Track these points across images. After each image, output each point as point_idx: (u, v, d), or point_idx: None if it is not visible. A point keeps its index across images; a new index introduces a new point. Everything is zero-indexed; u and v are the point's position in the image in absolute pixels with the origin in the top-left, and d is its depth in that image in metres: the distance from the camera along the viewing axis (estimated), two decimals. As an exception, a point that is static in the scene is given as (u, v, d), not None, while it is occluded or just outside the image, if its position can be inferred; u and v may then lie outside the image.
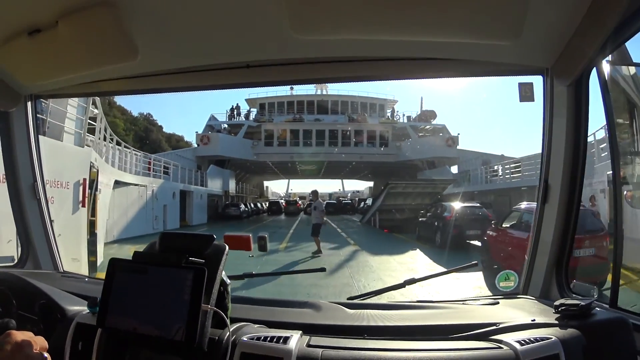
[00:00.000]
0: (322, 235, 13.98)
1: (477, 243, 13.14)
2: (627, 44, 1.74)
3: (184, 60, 2.07)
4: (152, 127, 58.20)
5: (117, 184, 17.04)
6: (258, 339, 1.53)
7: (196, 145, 39.53)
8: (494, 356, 1.48)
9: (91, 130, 14.86)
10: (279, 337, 1.53)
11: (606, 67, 1.79)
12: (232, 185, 42.64)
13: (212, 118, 45.52)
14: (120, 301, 1.55)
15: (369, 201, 39.34)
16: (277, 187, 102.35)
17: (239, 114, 46.84)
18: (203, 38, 1.88)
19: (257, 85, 2.48)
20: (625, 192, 1.97)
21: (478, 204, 18.12)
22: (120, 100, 53.30)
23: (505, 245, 9.90)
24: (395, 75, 2.34)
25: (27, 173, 2.50)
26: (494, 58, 1.94)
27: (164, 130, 59.78)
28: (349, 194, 72.03)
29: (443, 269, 2.46)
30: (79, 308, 1.81)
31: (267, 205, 50.56)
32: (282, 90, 46.20)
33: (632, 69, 1.87)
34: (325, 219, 14.97)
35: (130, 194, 19.80)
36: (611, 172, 1.82)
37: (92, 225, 10.64)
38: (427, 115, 45.89)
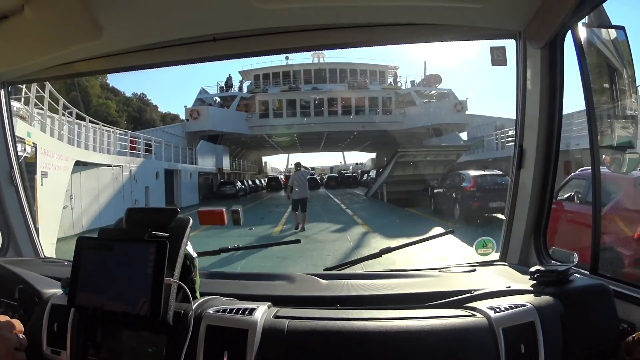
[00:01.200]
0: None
1: (501, 216, 11.91)
2: (604, 5, 1.74)
3: (149, 37, 2.12)
4: (145, 106, 58.34)
5: (81, 165, 16.14)
6: (224, 311, 1.60)
7: (186, 121, 38.27)
8: (467, 324, 1.53)
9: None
10: (245, 309, 1.59)
11: (582, 29, 1.81)
12: (226, 162, 41.87)
13: (203, 91, 44.51)
14: (88, 279, 1.63)
15: (373, 173, 38.82)
16: (276, 163, 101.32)
17: (231, 86, 45.77)
18: (166, 13, 1.92)
19: (225, 58, 2.48)
20: (603, 157, 2.03)
21: (500, 172, 16.62)
22: (114, 82, 53.97)
23: (570, 224, 7.42)
24: (365, 42, 2.40)
25: (2, 160, 2.58)
26: (466, 22, 1.98)
27: (159, 110, 60.12)
28: (351, 167, 70.76)
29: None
30: (55, 290, 1.91)
31: (266, 181, 50.09)
32: (277, 61, 45.02)
33: (612, 32, 1.86)
34: (308, 193, 14.32)
35: (102, 177, 18.53)
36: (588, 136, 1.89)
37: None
38: (432, 80, 44.25)
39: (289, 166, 73.58)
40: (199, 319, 1.57)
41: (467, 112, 36.65)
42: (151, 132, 31.02)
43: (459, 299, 1.71)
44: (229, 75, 45.11)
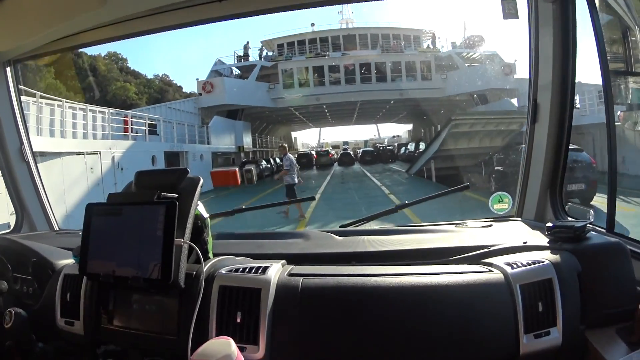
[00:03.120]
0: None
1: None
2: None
3: (153, 0, 2.20)
4: (167, 87, 58.87)
5: (38, 155, 13.42)
6: (236, 270, 1.72)
7: (199, 96, 35.46)
8: (484, 280, 1.62)
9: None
10: (258, 268, 1.71)
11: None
12: (248, 139, 39.35)
13: (219, 62, 41.42)
14: (98, 246, 1.74)
15: (411, 146, 37.91)
16: (307, 138, 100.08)
17: (248, 55, 42.40)
18: None
19: (232, 17, 2.54)
20: (618, 113, 2.11)
21: (575, 146, 13.84)
22: (135, 65, 55.59)
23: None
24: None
25: (13, 137, 2.82)
26: None
27: (183, 90, 59.16)
28: (386, 140, 69.19)
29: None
30: (68, 261, 2.07)
31: (296, 158, 48.69)
32: (302, 29, 42.43)
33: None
34: (299, 178, 13.68)
35: (70, 167, 15.44)
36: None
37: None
38: (475, 41, 41.10)
39: (321, 141, 73.14)
40: (211, 280, 1.67)
41: (515, 76, 35.10)
42: (154, 110, 29.06)
43: (475, 255, 1.81)
44: (247, 42, 42.70)
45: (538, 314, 1.58)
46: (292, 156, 14.02)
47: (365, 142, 70.58)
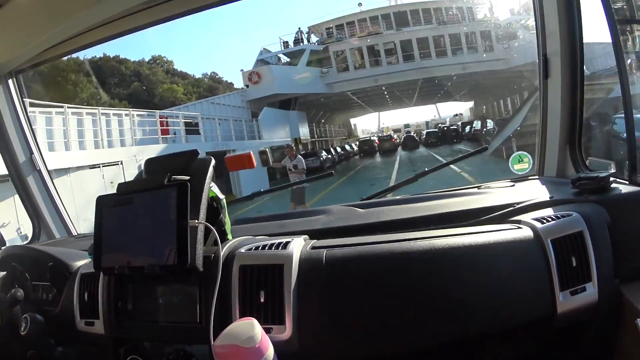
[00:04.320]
0: None
1: None
2: None
3: None
4: (217, 85, 61.98)
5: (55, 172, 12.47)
6: (257, 248, 1.75)
7: (245, 88, 36.02)
8: (513, 237, 1.69)
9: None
10: (279, 243, 1.75)
11: None
12: (304, 129, 39.89)
13: (264, 51, 42.16)
14: (111, 239, 1.78)
15: (477, 124, 38.04)
16: (367, 124, 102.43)
17: (300, 40, 43.67)
18: None
19: (230, 1, 2.65)
20: (629, 62, 2.21)
21: None
22: (181, 66, 57.50)
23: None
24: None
25: (22, 147, 2.99)
26: None
27: (235, 86, 59.85)
28: (448, 119, 70.84)
29: None
30: (85, 261, 2.16)
31: (358, 145, 49.14)
32: (349, 10, 43.63)
33: None
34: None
35: (83, 184, 14.62)
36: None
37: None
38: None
39: (381, 125, 74.18)
40: (231, 260, 1.72)
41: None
42: (194, 108, 28.92)
43: (501, 214, 1.89)
44: (299, 28, 43.56)
45: (572, 270, 1.65)
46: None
47: (427, 123, 72.48)
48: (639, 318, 1.61)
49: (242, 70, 37.48)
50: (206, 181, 1.78)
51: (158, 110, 23.48)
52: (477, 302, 1.61)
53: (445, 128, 50.73)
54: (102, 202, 1.85)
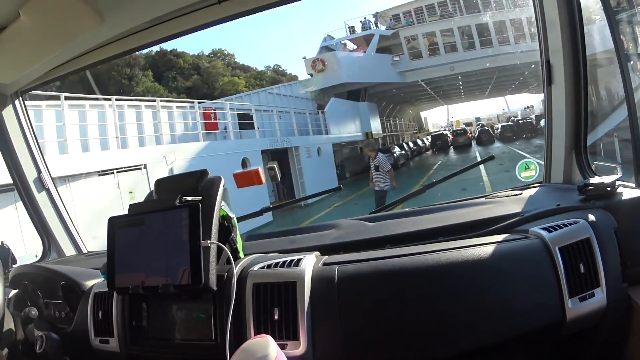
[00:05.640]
0: None
1: None
2: None
3: (152, 12, 2.32)
4: (281, 77, 62.31)
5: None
6: (269, 266, 1.76)
7: (309, 77, 32.77)
8: (521, 247, 1.70)
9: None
10: (291, 261, 1.76)
11: None
12: (375, 123, 36.46)
13: (328, 38, 38.55)
14: (124, 259, 1.80)
15: None
16: (436, 117, 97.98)
17: (368, 28, 39.57)
18: None
19: (233, 17, 2.65)
20: (631, 63, 2.22)
21: None
22: (243, 59, 56.44)
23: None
24: None
25: (30, 167, 2.99)
26: None
27: (299, 79, 55.14)
28: (519, 112, 66.82)
29: None
30: (97, 280, 2.18)
31: (430, 140, 47.29)
32: None
33: None
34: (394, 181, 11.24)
35: (91, 194, 12.15)
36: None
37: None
38: None
39: (450, 119, 72.17)
40: (244, 279, 1.73)
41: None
42: (248, 98, 26.02)
43: (509, 223, 1.90)
44: (364, 17, 39.98)
45: (580, 276, 1.65)
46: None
47: (498, 116, 70.01)
48: None
49: (304, 57, 33.90)
50: (217, 200, 1.79)
51: (197, 100, 20.10)
52: (488, 313, 1.62)
53: (521, 121, 47.45)
54: (114, 223, 1.87)
